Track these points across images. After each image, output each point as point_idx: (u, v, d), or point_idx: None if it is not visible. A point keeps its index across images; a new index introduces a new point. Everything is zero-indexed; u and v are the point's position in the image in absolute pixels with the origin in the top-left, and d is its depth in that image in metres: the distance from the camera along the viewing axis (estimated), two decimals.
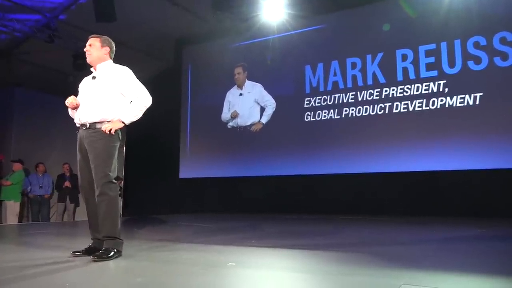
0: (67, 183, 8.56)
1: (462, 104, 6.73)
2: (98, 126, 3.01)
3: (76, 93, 3.21)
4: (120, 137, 3.09)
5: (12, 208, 7.93)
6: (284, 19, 7.85)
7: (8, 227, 6.63)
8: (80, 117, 3.07)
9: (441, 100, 6.88)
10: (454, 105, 6.79)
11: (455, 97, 6.79)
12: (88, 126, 3.03)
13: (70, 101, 3.09)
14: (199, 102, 9.39)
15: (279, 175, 8.11)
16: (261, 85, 8.60)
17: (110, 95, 3.06)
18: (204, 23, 8.49)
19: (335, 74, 7.89)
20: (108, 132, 2.97)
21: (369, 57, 7.58)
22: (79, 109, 3.10)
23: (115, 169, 3.05)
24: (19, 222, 8.00)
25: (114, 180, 2.99)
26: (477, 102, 6.61)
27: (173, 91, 9.47)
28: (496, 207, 6.23)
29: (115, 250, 2.86)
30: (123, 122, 3.03)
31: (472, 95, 6.66)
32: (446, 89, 6.87)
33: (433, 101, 6.94)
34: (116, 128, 3.01)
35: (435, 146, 6.83)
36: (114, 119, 3.02)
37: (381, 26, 7.48)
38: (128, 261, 2.82)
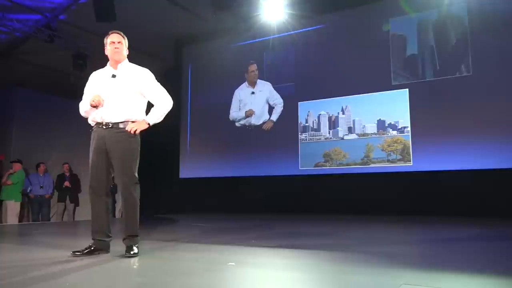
0: (66, 183, 8.57)
1: (461, 105, 6.74)
2: (121, 126, 3.00)
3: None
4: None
5: (13, 208, 7.93)
6: (284, 19, 7.85)
7: (9, 227, 6.63)
8: (102, 115, 3.01)
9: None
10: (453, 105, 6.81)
11: (454, 97, 6.81)
12: (111, 126, 3.00)
13: (97, 99, 2.96)
14: (199, 102, 9.39)
15: (279, 175, 8.11)
16: (270, 84, 8.59)
17: (132, 95, 3.05)
18: (204, 23, 8.49)
19: (335, 74, 7.89)
20: (132, 133, 2.96)
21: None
22: (100, 107, 3.02)
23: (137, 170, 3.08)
24: (19, 222, 8.00)
25: (137, 181, 3.04)
26: (477, 102, 6.62)
27: (173, 91, 9.39)
28: (496, 207, 6.23)
29: (137, 246, 2.99)
30: (148, 124, 3.03)
31: (472, 95, 6.68)
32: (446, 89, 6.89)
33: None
34: (141, 129, 3.01)
35: (434, 146, 6.83)
36: (137, 120, 3.02)
37: (381, 26, 7.49)
38: (128, 261, 2.82)
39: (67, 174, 8.71)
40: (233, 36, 8.85)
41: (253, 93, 8.76)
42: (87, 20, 7.29)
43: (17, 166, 8.09)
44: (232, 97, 8.96)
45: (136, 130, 2.98)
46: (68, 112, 9.90)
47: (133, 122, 3.01)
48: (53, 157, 9.51)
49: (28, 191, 8.30)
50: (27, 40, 8.29)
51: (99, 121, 3.03)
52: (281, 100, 8.42)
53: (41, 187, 8.31)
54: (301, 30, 8.13)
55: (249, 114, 8.71)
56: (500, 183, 6.29)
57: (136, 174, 3.03)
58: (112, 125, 3.00)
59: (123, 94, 3.03)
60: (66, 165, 8.75)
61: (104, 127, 3.01)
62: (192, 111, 9.42)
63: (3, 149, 9.32)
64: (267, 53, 8.61)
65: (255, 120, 8.68)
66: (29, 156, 8.88)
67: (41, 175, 8.41)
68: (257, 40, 8.69)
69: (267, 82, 8.64)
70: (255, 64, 8.78)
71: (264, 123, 8.59)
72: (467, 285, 2.20)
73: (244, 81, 8.88)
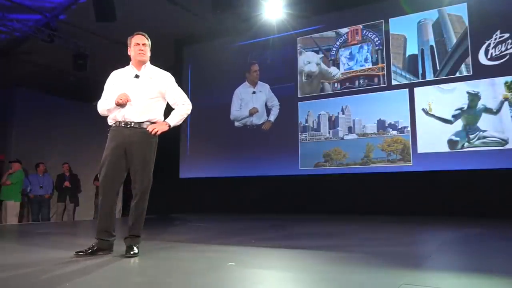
0: (66, 183, 8.56)
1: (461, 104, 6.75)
2: (143, 126, 3.02)
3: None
4: None
5: (12, 208, 7.92)
6: (284, 19, 7.85)
7: (8, 227, 6.63)
8: (125, 114, 3.01)
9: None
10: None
11: (454, 97, 6.81)
12: (133, 125, 3.01)
13: (125, 97, 2.97)
14: (199, 102, 9.34)
15: (279, 175, 8.11)
16: (268, 86, 8.62)
17: (155, 97, 3.08)
18: (204, 23, 8.50)
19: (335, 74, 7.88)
20: (153, 134, 2.98)
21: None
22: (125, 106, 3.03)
23: None
24: (19, 222, 8.00)
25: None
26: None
27: None
28: (496, 207, 6.23)
29: (137, 246, 3.00)
30: (168, 125, 3.05)
31: (472, 95, 6.69)
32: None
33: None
34: (162, 130, 3.02)
35: (434, 145, 6.83)
36: (157, 121, 3.06)
37: (381, 26, 7.49)
38: (128, 261, 2.82)
39: (67, 174, 8.71)
40: (233, 36, 8.83)
41: (254, 92, 8.78)
42: (87, 20, 7.29)
43: (16, 166, 8.08)
44: (232, 97, 8.96)
45: (157, 131, 2.99)
46: (68, 112, 9.94)
47: (153, 123, 3.04)
48: (53, 157, 9.50)
49: (28, 191, 8.29)
50: (27, 40, 8.29)
51: (121, 120, 3.03)
52: (278, 103, 8.47)
53: (41, 187, 8.30)
54: (301, 30, 8.15)
55: (253, 112, 8.70)
56: (500, 183, 6.28)
57: (152, 175, 3.04)
58: (134, 125, 3.01)
59: (146, 94, 3.05)
60: (66, 165, 8.75)
61: (126, 126, 3.01)
62: (192, 110, 9.35)
63: (3, 149, 9.32)
64: (267, 53, 8.61)
65: (256, 120, 8.69)
66: (29, 156, 8.87)
67: (40, 175, 8.40)
68: (257, 40, 8.70)
69: (266, 84, 8.66)
70: (257, 64, 8.80)
71: (263, 123, 8.61)
72: (467, 285, 2.20)
73: (244, 81, 8.89)
